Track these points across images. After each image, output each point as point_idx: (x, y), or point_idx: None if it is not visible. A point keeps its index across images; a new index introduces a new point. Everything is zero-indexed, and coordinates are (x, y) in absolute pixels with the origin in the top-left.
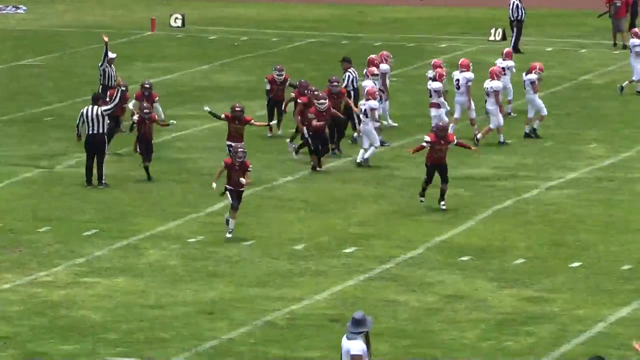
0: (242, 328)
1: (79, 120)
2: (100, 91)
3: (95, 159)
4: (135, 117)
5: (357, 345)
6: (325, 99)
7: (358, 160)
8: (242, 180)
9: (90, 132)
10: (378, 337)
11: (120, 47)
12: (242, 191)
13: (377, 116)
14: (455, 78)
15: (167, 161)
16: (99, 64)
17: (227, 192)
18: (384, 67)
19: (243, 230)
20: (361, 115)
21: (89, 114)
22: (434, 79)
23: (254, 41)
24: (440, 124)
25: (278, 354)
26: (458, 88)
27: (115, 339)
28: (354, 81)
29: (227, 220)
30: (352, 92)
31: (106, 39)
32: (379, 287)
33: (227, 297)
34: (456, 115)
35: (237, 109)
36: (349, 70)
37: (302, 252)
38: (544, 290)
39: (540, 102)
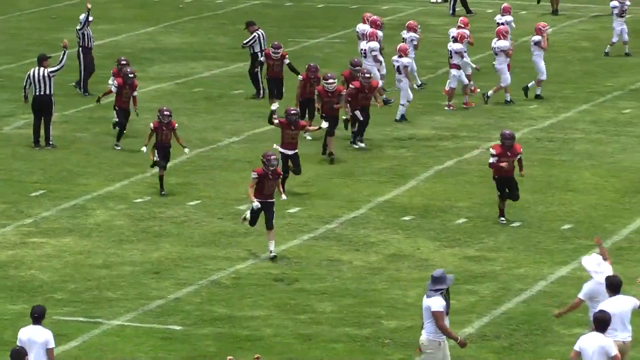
0: (188, 287)
1: (26, 82)
2: (80, 53)
3: (42, 120)
4: (152, 125)
5: (437, 302)
6: (335, 79)
7: (397, 118)
8: (284, 196)
9: (38, 93)
10: (322, 295)
11: (66, 9)
12: (274, 202)
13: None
14: (451, 36)
15: (113, 122)
16: (78, 28)
17: (257, 205)
18: (362, 25)
19: (188, 190)
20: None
21: (36, 75)
22: (455, 40)
23: (199, 3)
24: (507, 131)
25: (223, 312)
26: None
27: (62, 298)
28: (263, 42)
29: (244, 218)
30: (259, 54)
31: (89, 5)
32: (322, 247)
33: (173, 257)
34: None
35: (292, 112)
36: (257, 31)
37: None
38: (485, 249)
39: (541, 66)
